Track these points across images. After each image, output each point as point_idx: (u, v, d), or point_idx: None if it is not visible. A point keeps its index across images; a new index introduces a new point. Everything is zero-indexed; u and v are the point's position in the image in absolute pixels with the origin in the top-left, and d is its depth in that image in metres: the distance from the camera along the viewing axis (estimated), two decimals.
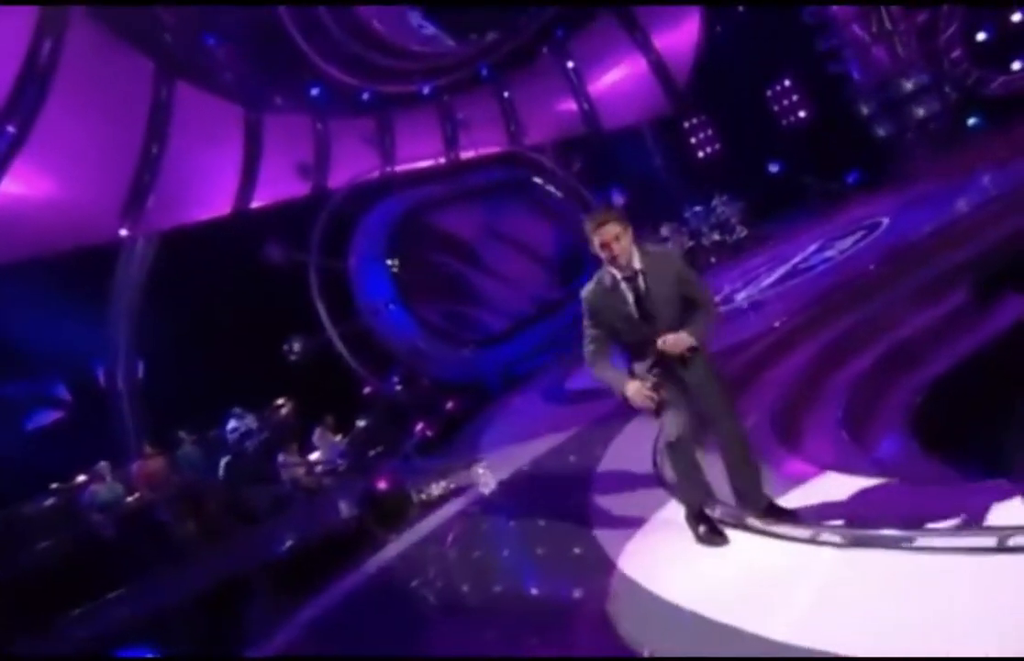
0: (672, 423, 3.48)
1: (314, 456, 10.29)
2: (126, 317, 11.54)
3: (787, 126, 19.53)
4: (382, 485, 7.48)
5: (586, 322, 3.58)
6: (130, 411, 11.17)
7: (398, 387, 12.73)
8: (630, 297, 3.40)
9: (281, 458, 9.32)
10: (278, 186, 14.33)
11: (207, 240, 12.09)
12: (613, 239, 3.40)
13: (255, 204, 14.17)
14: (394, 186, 15.29)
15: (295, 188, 14.55)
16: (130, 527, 7.96)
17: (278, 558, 6.80)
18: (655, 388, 3.42)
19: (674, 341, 3.39)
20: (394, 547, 6.39)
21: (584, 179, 18.29)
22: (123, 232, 11.95)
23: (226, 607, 5.82)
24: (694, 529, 3.66)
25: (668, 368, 3.47)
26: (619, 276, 3.44)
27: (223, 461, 9.29)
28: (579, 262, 15.34)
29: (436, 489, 7.40)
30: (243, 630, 5.81)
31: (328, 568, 6.16)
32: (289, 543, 7.29)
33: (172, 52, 12.25)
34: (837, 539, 3.34)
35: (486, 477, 7.33)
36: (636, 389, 3.40)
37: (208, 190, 13.37)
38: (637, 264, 3.44)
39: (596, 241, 3.43)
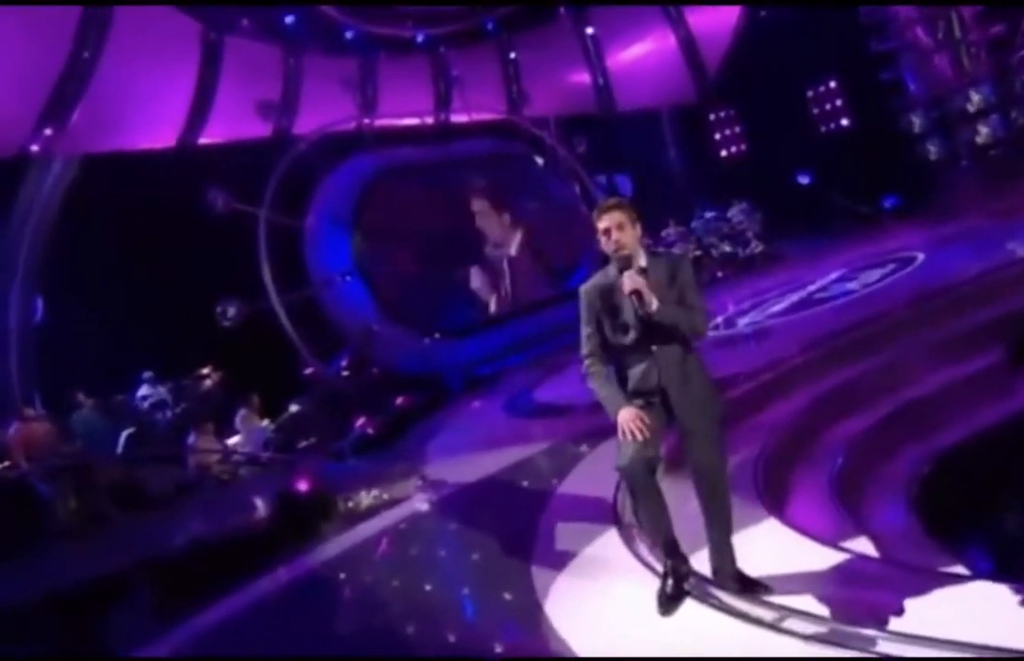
0: (626, 448, 3.57)
1: (233, 440, 10.16)
2: (29, 245, 11.22)
3: (824, 134, 19.49)
4: (304, 485, 7.37)
5: (583, 323, 3.75)
6: (19, 359, 10.85)
7: (343, 373, 12.61)
8: (634, 303, 3.57)
9: (192, 438, 9.14)
10: (233, 123, 14.07)
11: (141, 172, 11.77)
12: (616, 226, 3.64)
13: (204, 140, 13.90)
14: (370, 142, 15.06)
15: (253, 128, 14.29)
16: None
17: (170, 555, 6.64)
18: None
19: (630, 279, 3.56)
20: (306, 560, 6.34)
21: (588, 163, 18.13)
22: (34, 148, 11.61)
23: (95, 608, 5.62)
24: (663, 578, 3.80)
25: (663, 397, 3.64)
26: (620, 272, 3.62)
27: (125, 433, 9.07)
28: (573, 261, 15.29)
29: (366, 498, 7.37)
30: (112, 636, 5.63)
31: (227, 574, 6.08)
32: (186, 539, 7.18)
33: None
34: (804, 630, 3.34)
35: (425, 490, 7.29)
36: (631, 416, 3.54)
37: (150, 115, 13.07)
38: (642, 262, 3.64)
39: (600, 226, 3.68)
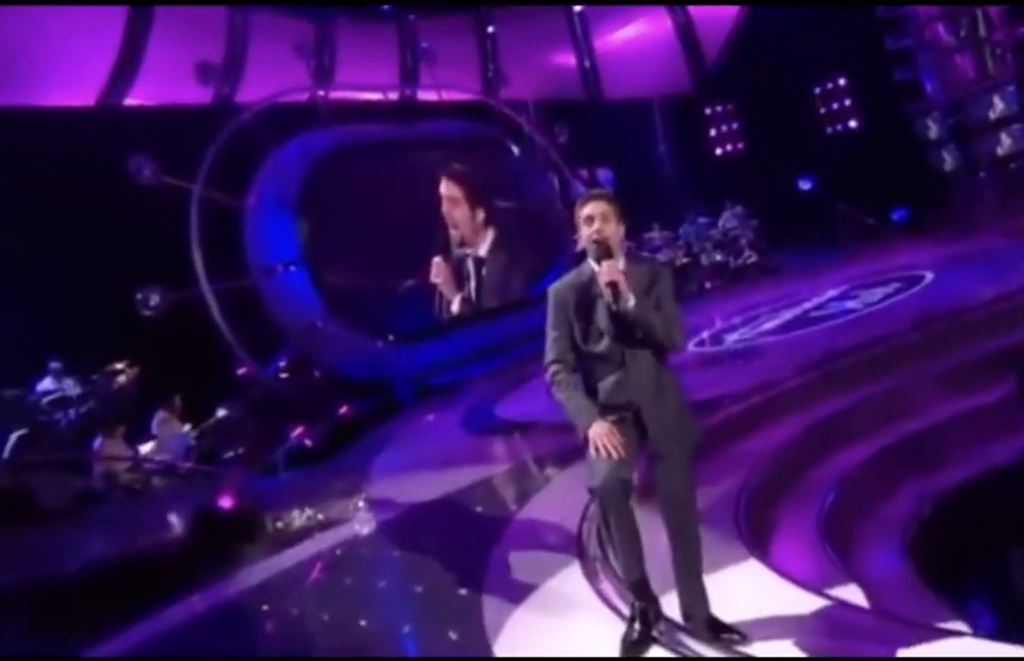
0: (599, 467, 3.58)
1: (147, 447, 10.03)
2: None
3: (830, 135, 19.74)
4: (228, 501, 7.35)
5: (550, 326, 3.78)
6: None
7: (281, 375, 12.46)
8: (607, 298, 3.61)
9: (99, 442, 8.97)
10: (166, 84, 13.82)
11: (52, 133, 11.54)
12: (600, 216, 3.72)
13: (130, 100, 13.61)
14: (324, 116, 14.91)
15: (189, 91, 13.99)
16: None
17: (60, 576, 6.53)
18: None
19: (608, 268, 3.62)
20: (225, 587, 6.31)
21: (569, 154, 18.12)
22: None
23: None
24: (629, 621, 3.82)
25: (636, 414, 3.68)
26: (598, 270, 3.68)
27: (17, 433, 8.87)
28: (546, 261, 15.26)
29: (299, 518, 7.41)
30: None
31: (130, 601, 6.04)
32: (82, 558, 7.06)
33: None
34: None
35: (365, 513, 7.31)
36: (605, 431, 3.57)
37: (67, 68, 12.78)
38: (621, 265, 3.69)
39: (583, 213, 3.75)
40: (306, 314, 12.80)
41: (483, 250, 15.27)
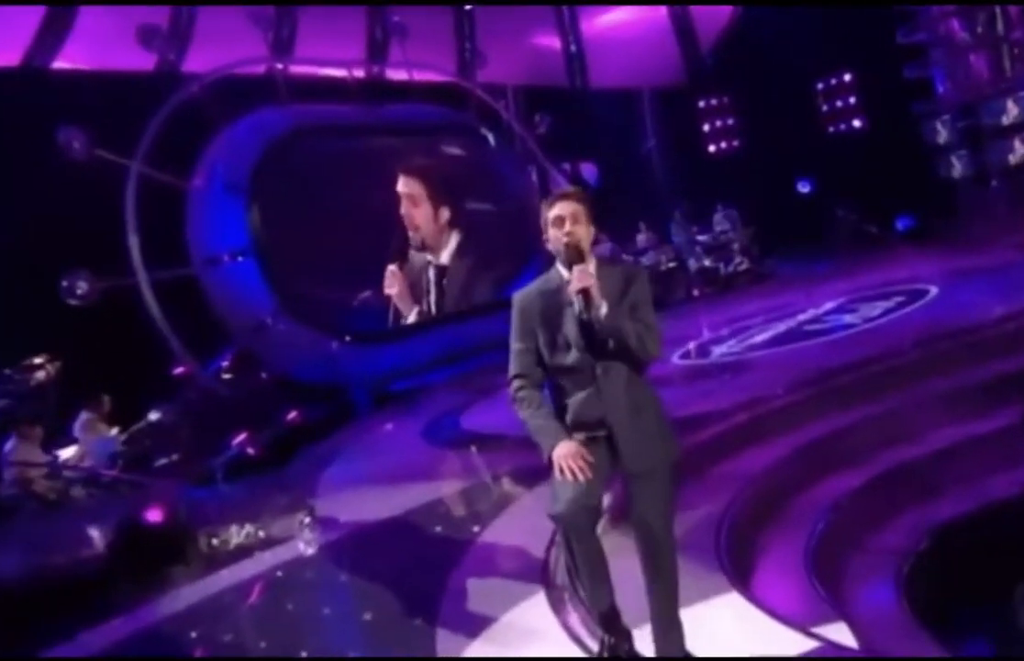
0: (563, 492, 3.59)
1: (68, 452, 9.92)
2: None
3: (832, 135, 19.93)
4: (156, 514, 7.22)
5: (514, 337, 3.79)
6: None
7: (223, 376, 12.36)
8: (577, 306, 3.62)
9: (10, 445, 8.88)
10: (102, 46, 13.69)
11: None
12: (571, 216, 3.73)
13: (60, 63, 13.45)
14: (281, 93, 14.82)
15: (129, 57, 13.88)
16: None
17: None
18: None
19: (580, 273, 3.64)
20: (151, 611, 6.29)
21: (550, 146, 18.17)
22: None
23: None
24: (597, 656, 3.86)
25: (608, 433, 3.68)
26: (567, 279, 3.69)
27: None
28: (518, 260, 15.26)
29: (237, 535, 7.39)
30: None
31: (42, 625, 6.06)
32: None
33: None
34: None
35: (311, 531, 7.24)
36: (571, 452, 3.57)
37: None
38: (592, 269, 3.69)
39: (551, 214, 3.77)
40: (254, 309, 12.75)
41: (445, 256, 15.08)
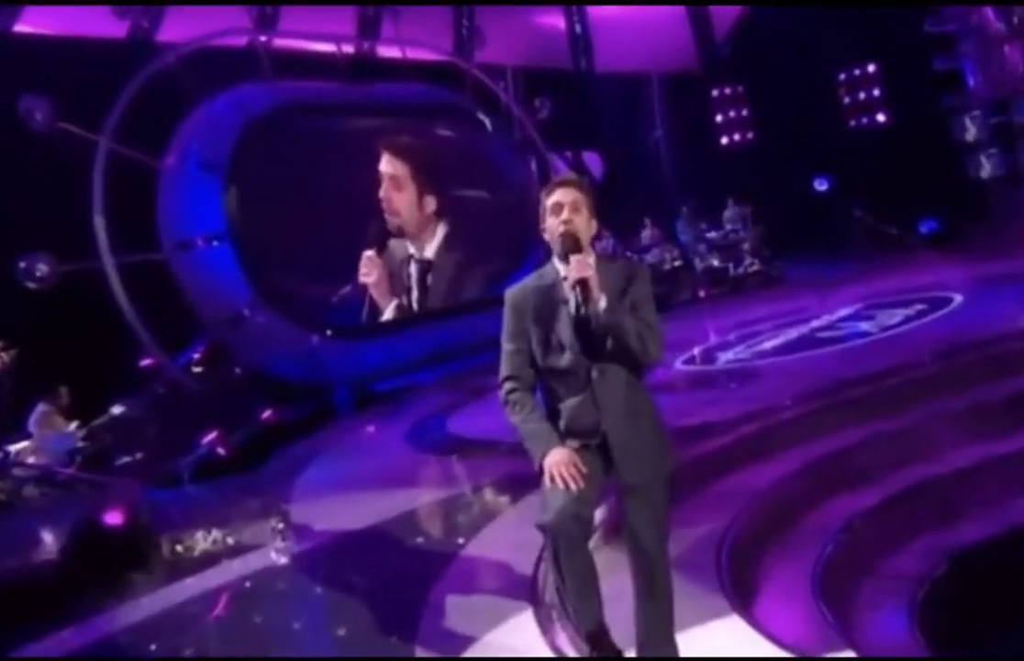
0: (554, 501, 3.59)
1: (20, 446, 9.88)
2: None
3: (853, 130, 19.94)
4: (117, 516, 7.19)
5: (506, 337, 3.81)
6: None
7: (194, 370, 12.34)
8: (574, 300, 3.61)
9: None
10: (69, 11, 13.61)
11: None
12: (570, 205, 3.73)
13: (23, 27, 13.37)
14: (264, 68, 14.80)
15: (98, 23, 13.86)
16: None
17: None
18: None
19: (578, 263, 3.61)
20: (108, 620, 6.24)
21: (549, 132, 18.15)
22: None
23: None
24: None
25: (603, 441, 3.69)
26: (562, 275, 3.70)
27: None
28: (514, 256, 15.22)
29: (203, 541, 7.36)
30: None
31: None
32: None
33: None
34: None
35: (284, 538, 7.20)
36: (564, 459, 3.59)
37: None
38: (591, 262, 3.68)
39: (550, 201, 3.77)
40: (229, 299, 12.72)
41: (430, 250, 14.83)
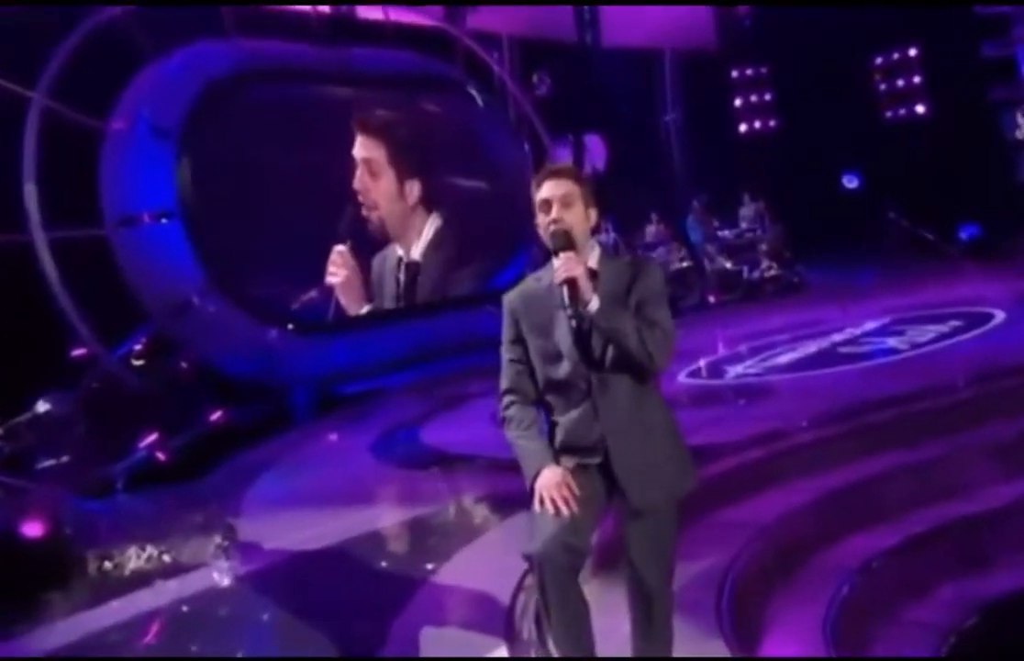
0: (542, 528, 3.59)
1: None
2: None
3: (889, 121, 19.97)
4: (36, 527, 7.20)
5: (504, 346, 3.86)
6: None
7: (134, 362, 12.34)
8: (571, 307, 3.63)
9: None
10: None
11: None
12: (560, 200, 3.72)
13: None
14: (227, 24, 14.74)
15: None
16: None
17: None
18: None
19: (566, 261, 3.62)
20: (21, 646, 6.24)
21: (548, 111, 18.17)
22: None
23: None
24: None
25: (605, 459, 3.69)
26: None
27: None
28: (505, 249, 15.21)
29: (136, 558, 7.34)
30: None
31: None
32: None
33: None
34: None
35: (228, 556, 7.25)
36: (555, 481, 3.59)
37: None
38: (593, 263, 3.75)
39: (538, 196, 3.78)
40: (178, 284, 12.72)
41: (417, 250, 14.79)
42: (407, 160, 14.73)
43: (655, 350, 3.65)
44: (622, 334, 3.60)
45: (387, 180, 14.51)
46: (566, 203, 3.70)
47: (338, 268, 13.93)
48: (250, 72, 14.36)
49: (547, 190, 3.73)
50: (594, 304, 3.58)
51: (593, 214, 3.79)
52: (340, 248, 14.03)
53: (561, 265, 3.59)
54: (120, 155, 12.99)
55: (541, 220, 3.75)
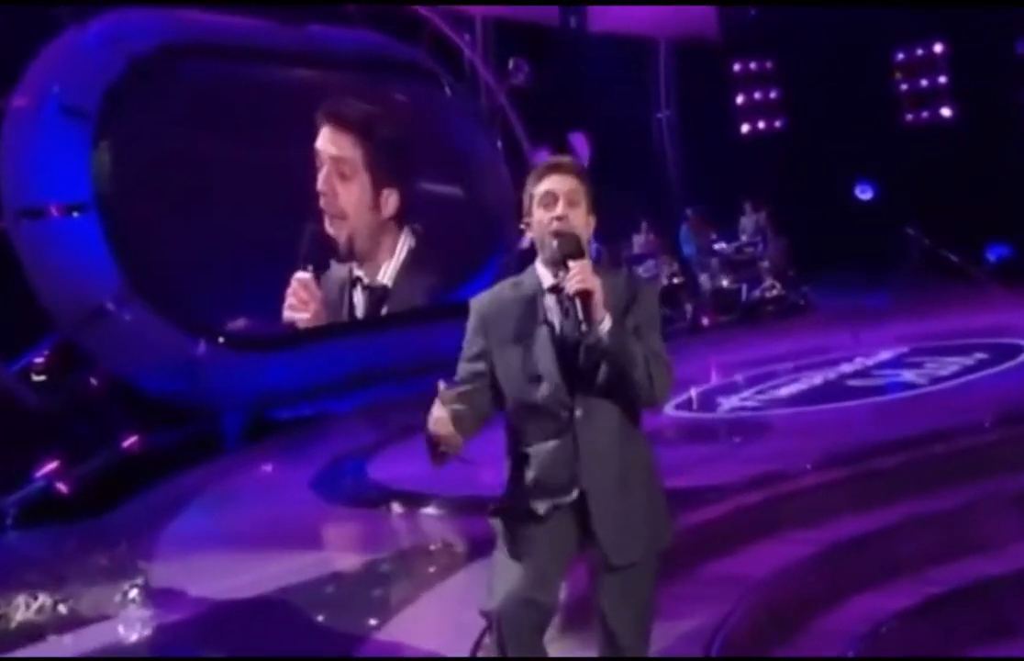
0: (503, 581, 3.62)
1: None
2: None
3: (910, 124, 20.11)
4: None
5: (465, 358, 3.83)
6: None
7: (34, 377, 12.36)
8: (557, 323, 3.67)
9: None
10: None
11: None
12: (566, 196, 3.70)
13: None
14: None
15: None
16: None
17: None
18: (463, 398, 3.58)
19: (582, 269, 3.53)
20: None
21: (526, 104, 18.20)
22: None
23: None
24: None
25: (581, 501, 3.66)
26: (547, 285, 3.73)
27: None
28: (474, 261, 15.19)
29: (26, 607, 7.29)
30: None
31: None
32: None
33: None
34: None
35: (139, 606, 7.27)
36: (439, 413, 3.46)
37: None
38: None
39: (539, 189, 3.76)
40: (90, 287, 12.64)
41: (387, 273, 14.52)
42: (387, 165, 14.47)
43: (659, 383, 3.67)
44: (631, 360, 3.59)
45: (361, 186, 14.26)
46: (571, 201, 3.70)
47: (301, 302, 13.70)
48: (184, 46, 14.33)
49: (551, 183, 3.72)
50: (606, 324, 3.54)
51: (593, 220, 3.79)
52: (302, 276, 13.81)
53: (575, 273, 3.52)
54: (23, 137, 12.91)
55: (539, 216, 3.72)
